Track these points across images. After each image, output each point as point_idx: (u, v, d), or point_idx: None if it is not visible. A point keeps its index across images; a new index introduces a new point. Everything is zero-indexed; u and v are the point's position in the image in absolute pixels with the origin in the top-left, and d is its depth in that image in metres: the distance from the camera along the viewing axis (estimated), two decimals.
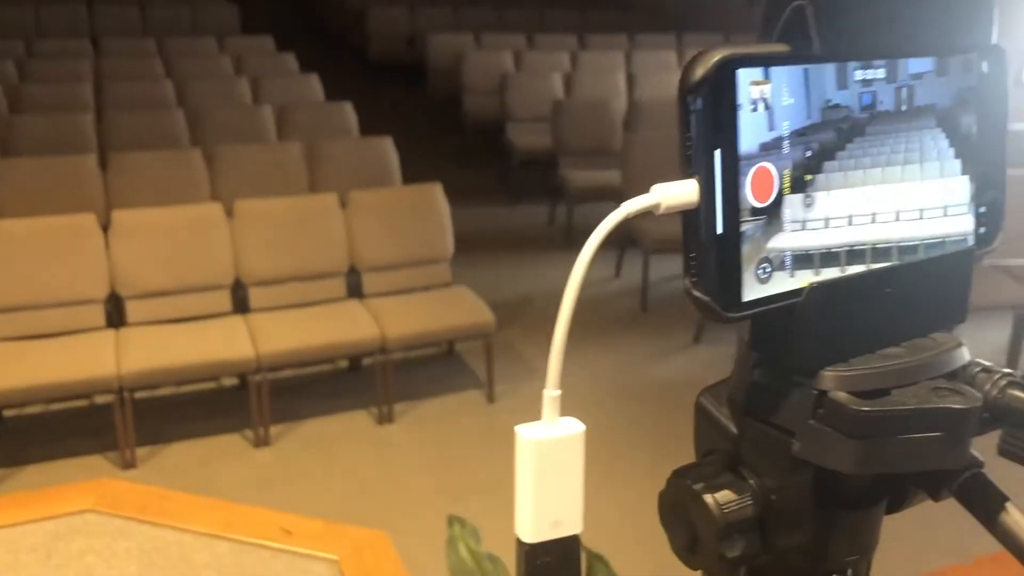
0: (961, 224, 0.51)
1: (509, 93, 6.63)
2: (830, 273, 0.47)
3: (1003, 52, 0.51)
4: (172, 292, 3.58)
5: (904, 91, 0.48)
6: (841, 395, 0.45)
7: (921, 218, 0.50)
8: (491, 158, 6.86)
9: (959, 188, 0.51)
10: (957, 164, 0.51)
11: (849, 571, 0.51)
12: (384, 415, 3.72)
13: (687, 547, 0.48)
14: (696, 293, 0.44)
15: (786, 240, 0.45)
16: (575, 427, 0.47)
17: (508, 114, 6.60)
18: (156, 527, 1.55)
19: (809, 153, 0.45)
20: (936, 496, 0.51)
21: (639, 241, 4.92)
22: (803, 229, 0.46)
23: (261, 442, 3.56)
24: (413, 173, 4.52)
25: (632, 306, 4.93)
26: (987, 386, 0.47)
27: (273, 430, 3.60)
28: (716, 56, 0.42)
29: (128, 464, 3.36)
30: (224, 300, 3.72)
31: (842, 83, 0.46)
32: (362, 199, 3.99)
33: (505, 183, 6.62)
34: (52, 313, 3.46)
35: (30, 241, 3.50)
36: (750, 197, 0.44)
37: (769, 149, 0.44)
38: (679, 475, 0.49)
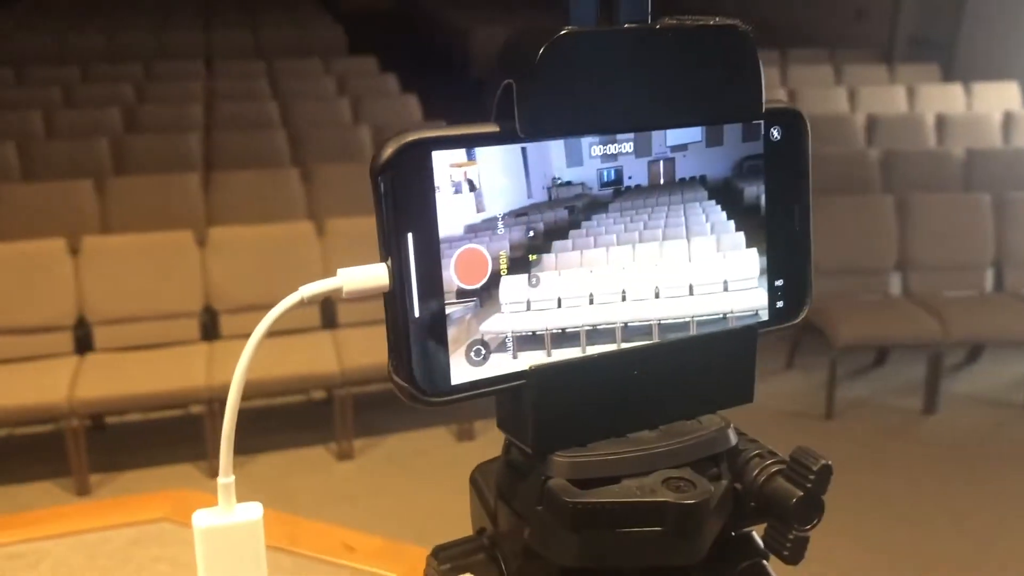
0: (748, 299, 0.48)
1: None
2: (567, 354, 0.44)
3: (799, 116, 0.48)
4: (264, 307, 3.67)
5: (662, 164, 0.45)
6: (559, 483, 0.42)
7: (691, 294, 0.47)
8: None
9: (744, 262, 0.48)
10: (740, 237, 0.47)
11: None
12: (465, 432, 3.75)
13: None
14: (396, 379, 0.42)
15: (505, 322, 0.43)
16: (252, 513, 0.45)
17: None
18: None
19: (532, 233, 0.43)
20: None
21: None
22: (527, 310, 0.44)
23: (344, 455, 3.63)
24: None
25: None
26: (754, 472, 0.44)
27: (356, 444, 3.66)
28: (408, 138, 0.40)
29: (216, 473, 3.47)
30: (314, 316, 3.82)
31: (575, 160, 0.43)
32: None
33: None
34: (151, 326, 3.62)
35: (132, 256, 3.67)
36: (455, 279, 0.42)
37: (478, 231, 0.42)
38: (433, 553, 0.47)
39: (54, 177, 4.51)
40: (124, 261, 3.67)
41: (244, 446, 3.64)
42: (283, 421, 3.92)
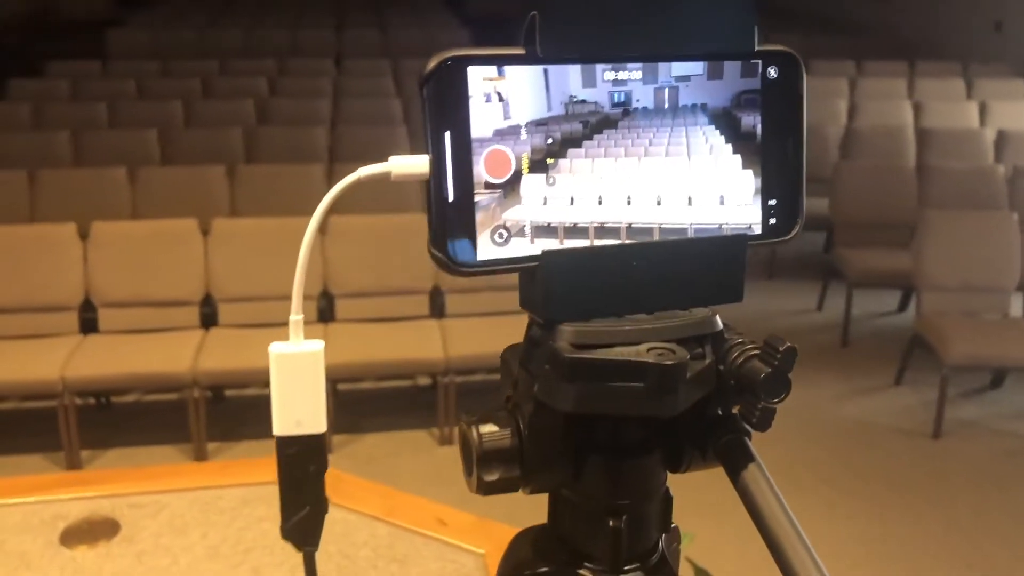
0: (742, 214, 0.54)
1: None
2: (576, 244, 0.52)
3: (795, 59, 0.54)
4: (374, 293, 3.84)
5: (666, 91, 0.52)
6: (563, 345, 0.50)
7: (690, 204, 0.53)
8: None
9: (739, 181, 0.54)
10: (736, 159, 0.54)
11: (624, 516, 0.54)
12: None
13: (466, 471, 0.55)
14: (433, 250, 0.50)
15: (524, 212, 0.51)
16: (315, 346, 0.55)
17: None
18: (330, 505, 1.70)
19: (550, 140, 0.51)
20: (704, 455, 0.54)
21: (843, 273, 4.74)
22: (544, 204, 0.51)
23: (445, 440, 3.75)
24: None
25: (832, 341, 4.75)
26: (734, 355, 0.50)
27: (458, 430, 3.76)
28: (448, 54, 0.48)
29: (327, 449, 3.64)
30: (423, 304, 3.96)
31: (589, 82, 0.50)
32: None
33: None
34: (271, 305, 3.81)
35: (257, 239, 3.88)
36: (484, 173, 0.49)
37: (505, 135, 0.49)
38: (466, 411, 0.55)
39: (190, 162, 4.80)
40: (250, 243, 3.88)
41: (353, 425, 3.81)
42: (390, 404, 4.07)
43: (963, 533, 3.26)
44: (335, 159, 5.02)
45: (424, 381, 4.12)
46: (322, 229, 3.92)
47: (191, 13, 10.19)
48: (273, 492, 1.76)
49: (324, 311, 3.93)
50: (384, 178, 0.51)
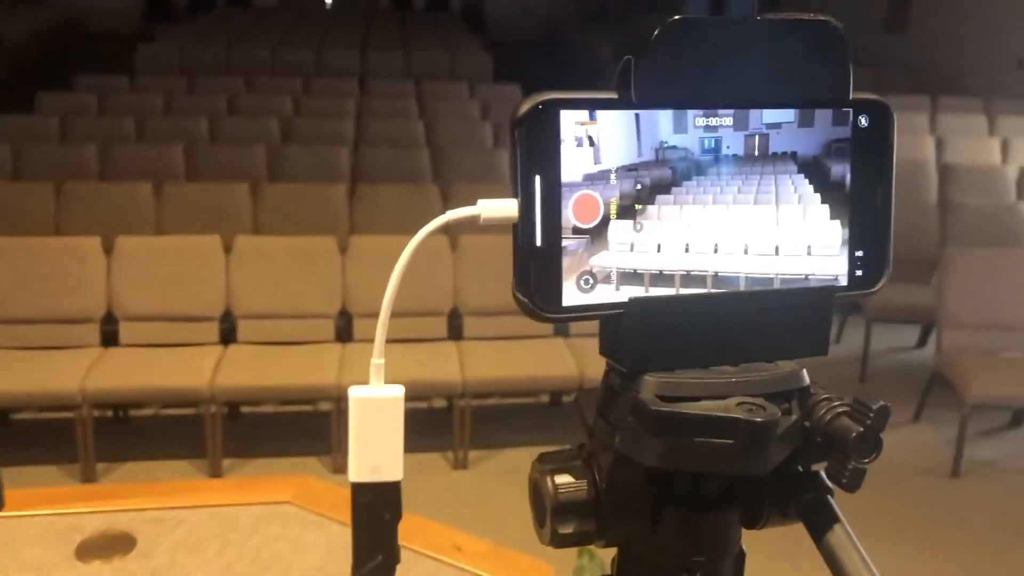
0: (829, 265, 0.54)
1: None
2: (661, 292, 0.51)
3: (886, 108, 0.54)
4: (396, 314, 3.82)
5: (757, 138, 0.51)
6: (648, 396, 0.49)
7: (776, 254, 0.53)
8: None
9: (827, 232, 0.53)
10: (824, 209, 0.53)
11: (699, 573, 0.53)
12: None
13: (538, 522, 0.54)
14: (518, 295, 0.49)
15: (611, 258, 0.50)
16: (396, 391, 0.54)
17: None
18: (342, 526, 1.68)
19: (639, 186, 0.50)
20: (784, 513, 0.52)
21: (862, 308, 4.72)
22: (631, 251, 0.51)
23: (459, 464, 3.74)
24: None
25: (850, 375, 4.72)
26: (821, 412, 0.49)
27: (472, 454, 3.77)
28: (542, 97, 0.48)
29: (338, 469, 3.64)
30: (442, 326, 3.96)
31: (680, 128, 0.50)
32: None
33: None
34: (291, 324, 3.83)
35: (279, 257, 3.90)
36: (572, 218, 0.49)
37: (594, 179, 0.49)
38: (539, 459, 0.54)
39: (214, 179, 4.84)
40: (271, 261, 3.90)
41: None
42: (405, 426, 4.05)
43: (976, 571, 3.22)
44: (357, 179, 5.05)
45: (440, 403, 4.12)
46: (343, 249, 3.94)
47: (219, 30, 10.32)
48: (289, 512, 1.76)
49: (342, 330, 3.94)
50: (473, 221, 0.51)
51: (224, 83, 6.98)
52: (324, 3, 16.22)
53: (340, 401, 3.59)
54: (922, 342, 5.09)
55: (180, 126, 5.69)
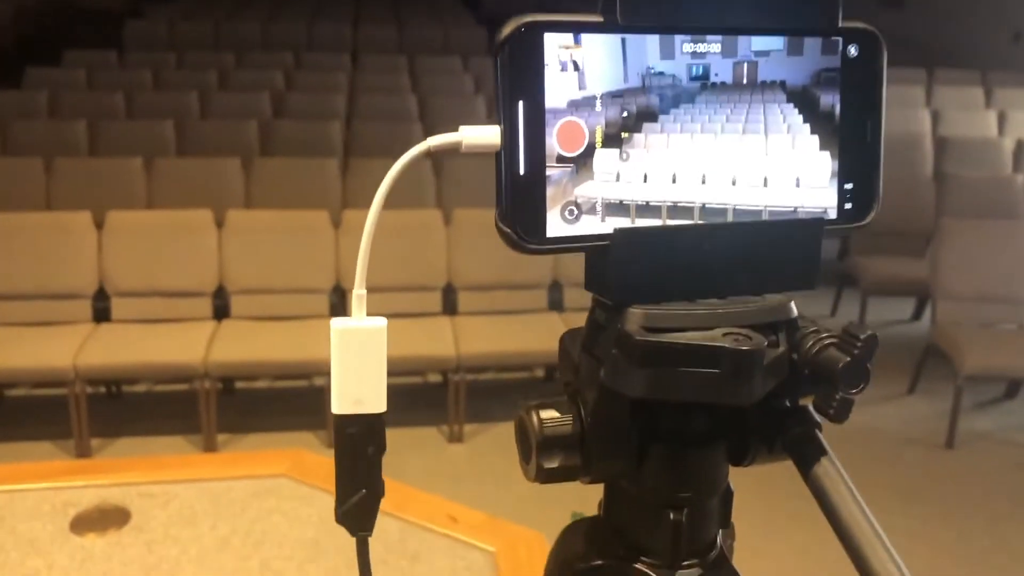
0: (818, 197, 0.52)
1: None
2: (647, 223, 0.50)
3: (876, 37, 0.52)
4: (390, 289, 3.84)
5: (745, 66, 0.50)
6: (633, 327, 0.48)
7: (765, 185, 0.51)
8: None
9: (816, 163, 0.52)
10: (814, 140, 0.52)
11: (685, 510, 0.53)
12: None
13: (524, 458, 0.53)
14: (501, 225, 0.47)
15: (596, 188, 0.49)
16: (379, 322, 0.53)
17: None
18: None
19: (625, 113, 0.48)
20: (771, 448, 0.52)
21: (857, 280, 4.72)
22: (617, 181, 0.49)
23: (455, 438, 3.75)
24: None
25: None
26: (809, 344, 0.48)
27: (467, 428, 3.77)
28: (524, 19, 0.46)
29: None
30: (436, 301, 3.95)
31: (667, 53, 0.48)
32: None
33: None
34: (284, 298, 3.82)
35: (272, 232, 3.88)
36: (556, 146, 0.47)
37: (579, 106, 0.47)
38: (526, 398, 0.53)
39: (206, 154, 4.80)
40: (264, 236, 3.88)
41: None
42: (400, 401, 4.04)
43: (975, 546, 3.24)
44: (350, 154, 5.02)
45: (434, 378, 4.11)
46: (336, 223, 3.92)
47: (209, 5, 10.21)
48: (283, 485, 1.74)
49: (336, 306, 3.93)
50: (455, 148, 0.48)
51: (214, 58, 6.92)
52: None
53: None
54: (917, 315, 5.09)
55: (170, 101, 5.65)
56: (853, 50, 0.52)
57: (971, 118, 6.33)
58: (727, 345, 0.47)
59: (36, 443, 3.64)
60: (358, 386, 0.53)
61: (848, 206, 0.53)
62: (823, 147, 0.52)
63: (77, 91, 5.95)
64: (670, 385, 0.48)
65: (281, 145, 5.10)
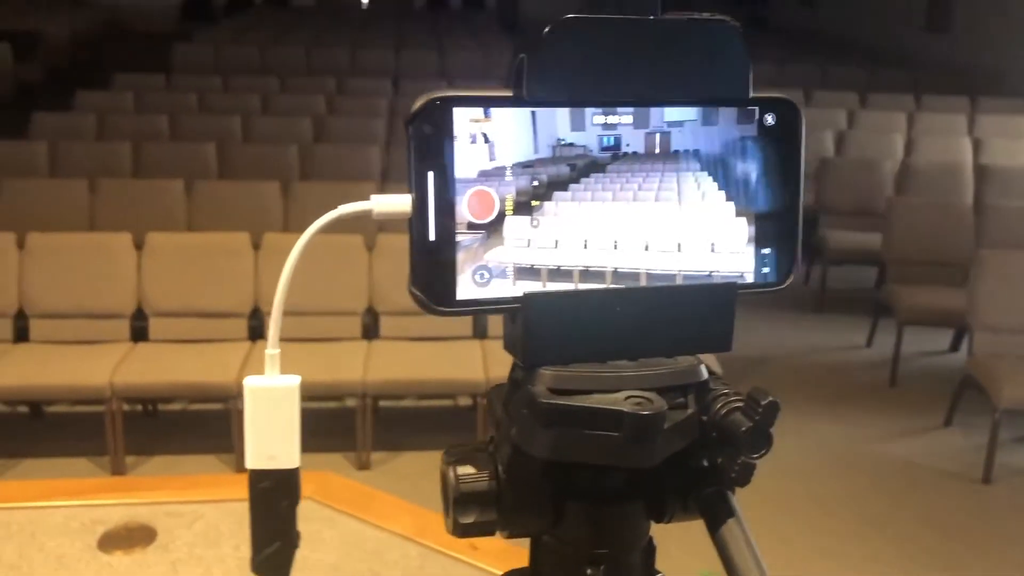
0: (734, 262, 0.53)
1: None
2: (559, 287, 0.51)
3: (794, 106, 0.53)
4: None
5: (658, 136, 0.51)
6: (540, 389, 0.49)
7: (679, 251, 0.52)
8: None
9: (732, 229, 0.53)
10: (730, 207, 0.53)
11: (602, 566, 0.53)
12: None
13: (445, 511, 0.54)
14: (413, 290, 0.49)
15: (507, 254, 0.50)
16: (292, 380, 0.54)
17: None
18: (359, 522, 1.69)
19: (536, 183, 0.50)
20: (685, 506, 0.52)
21: (894, 310, 4.66)
22: (528, 246, 0.50)
23: (363, 465, 3.71)
24: None
25: (880, 379, 4.65)
26: (718, 406, 0.49)
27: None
28: (434, 95, 0.48)
29: (363, 465, 3.67)
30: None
31: (578, 125, 0.50)
32: None
33: None
34: (318, 320, 3.84)
35: (307, 254, 3.91)
36: (467, 214, 0.49)
37: (490, 176, 0.49)
38: (447, 451, 0.55)
39: (246, 177, 4.89)
40: (301, 259, 3.91)
41: (393, 443, 3.83)
42: (430, 423, 4.08)
43: None
44: (387, 179, 5.08)
45: (464, 402, 4.13)
46: (370, 247, 3.96)
47: (255, 30, 10.42)
48: (307, 508, 1.76)
49: (369, 327, 3.97)
50: (365, 215, 0.51)
51: (258, 82, 7.05)
52: (360, 3, 16.32)
53: (365, 397, 3.61)
54: (955, 346, 5.01)
55: (214, 125, 5.76)
56: (770, 119, 0.53)
57: (1014, 147, 6.24)
58: (626, 409, 0.48)
59: (74, 459, 3.71)
60: (271, 442, 0.55)
61: (766, 270, 0.54)
62: (739, 213, 0.53)
63: (124, 113, 6.09)
64: (574, 446, 0.49)
65: (321, 169, 5.17)
